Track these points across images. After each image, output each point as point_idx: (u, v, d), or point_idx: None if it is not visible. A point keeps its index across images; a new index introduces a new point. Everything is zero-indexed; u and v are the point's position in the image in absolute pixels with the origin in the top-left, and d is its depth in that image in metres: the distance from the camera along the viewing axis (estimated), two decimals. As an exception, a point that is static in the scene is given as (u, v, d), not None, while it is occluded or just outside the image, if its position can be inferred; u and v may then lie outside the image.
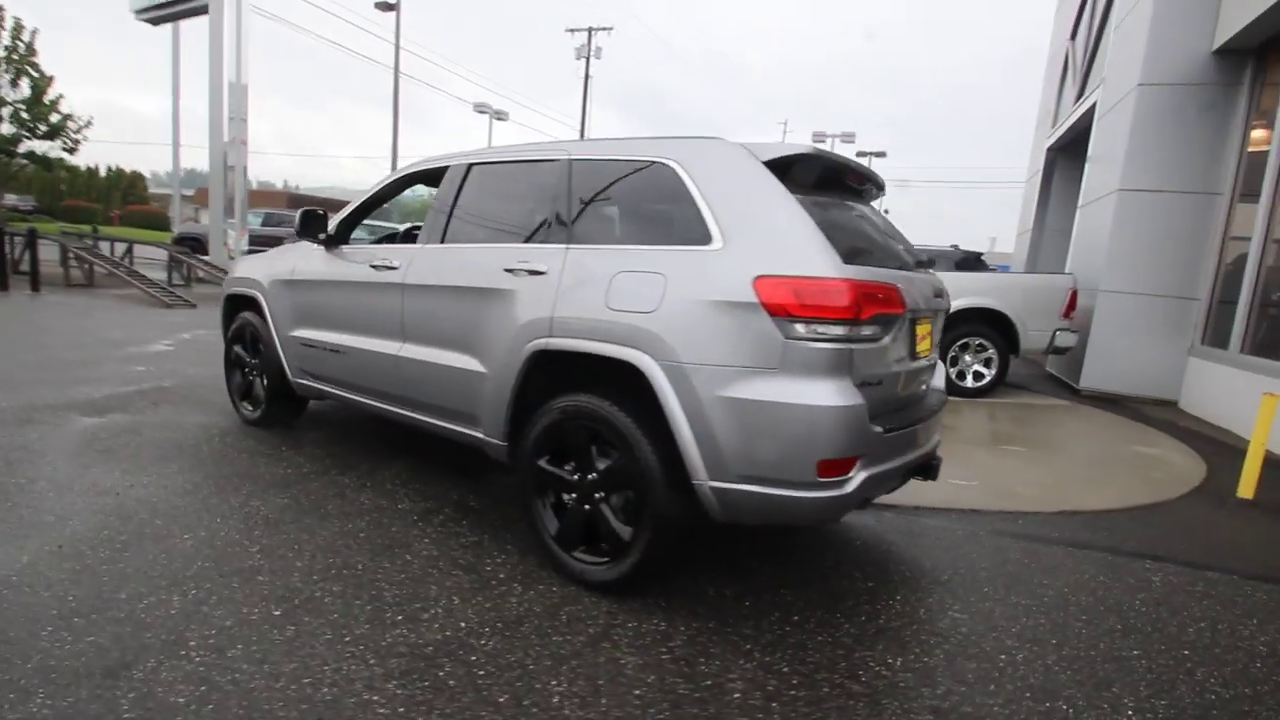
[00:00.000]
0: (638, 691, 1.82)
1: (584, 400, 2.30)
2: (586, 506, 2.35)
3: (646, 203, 2.41)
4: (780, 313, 1.96)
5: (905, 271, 2.40)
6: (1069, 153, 10.90)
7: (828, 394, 1.96)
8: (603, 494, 2.32)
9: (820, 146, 2.36)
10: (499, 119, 30.16)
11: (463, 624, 2.09)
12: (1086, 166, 8.59)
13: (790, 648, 2.09)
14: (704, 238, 2.17)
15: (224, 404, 4.39)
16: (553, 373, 2.45)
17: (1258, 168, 6.12)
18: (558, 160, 2.64)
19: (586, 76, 31.30)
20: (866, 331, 2.05)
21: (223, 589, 2.18)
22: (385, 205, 3.60)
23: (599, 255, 2.36)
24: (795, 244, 2.03)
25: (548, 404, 2.41)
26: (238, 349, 4.08)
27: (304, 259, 3.59)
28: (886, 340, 2.17)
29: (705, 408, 2.03)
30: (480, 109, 29.26)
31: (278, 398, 3.87)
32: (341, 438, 3.96)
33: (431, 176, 3.25)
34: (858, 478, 2.04)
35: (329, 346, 3.36)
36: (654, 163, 2.37)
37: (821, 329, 1.95)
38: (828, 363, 1.97)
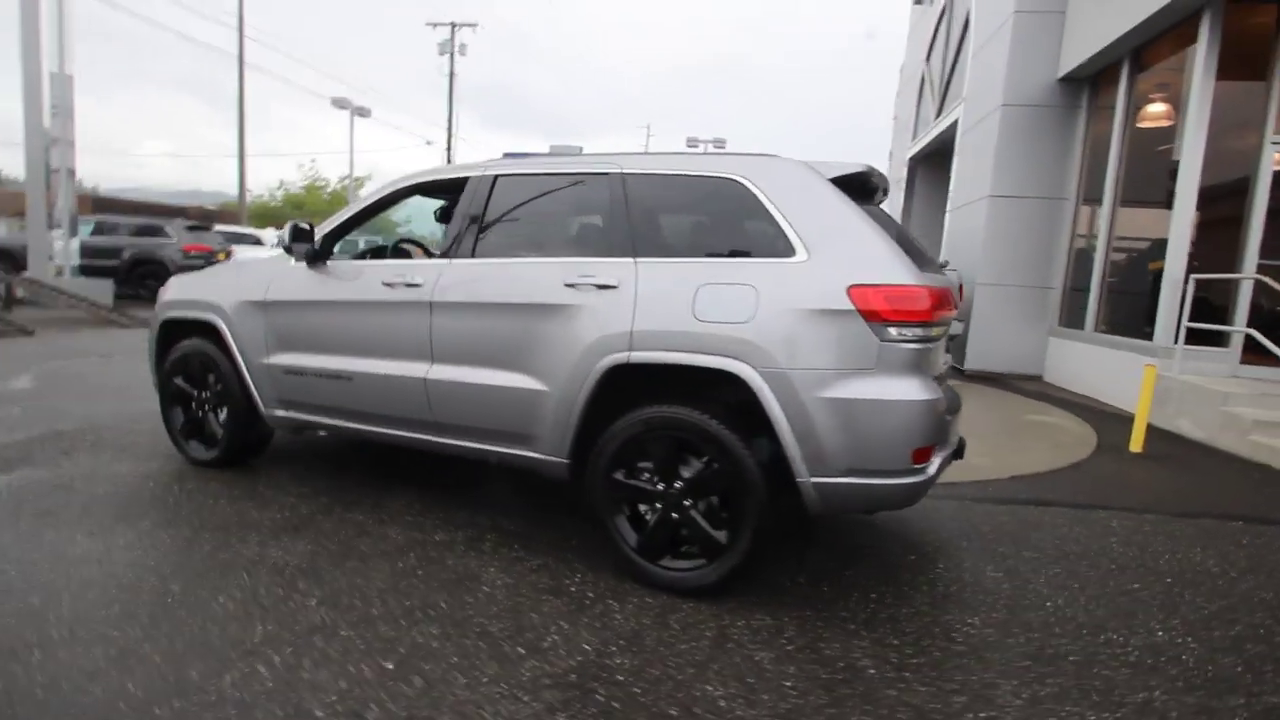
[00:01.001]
0: (788, 683, 1.91)
1: (671, 411, 2.34)
2: (674, 515, 2.39)
3: (718, 217, 2.50)
4: (875, 318, 2.14)
5: (939, 274, 2.69)
6: (930, 162, 12.32)
7: (918, 389, 2.17)
8: (692, 501, 2.37)
9: (872, 165, 2.58)
10: (361, 115, 28.26)
11: (586, 646, 2.05)
12: (954, 175, 9.79)
13: (886, 621, 2.29)
14: (786, 250, 2.30)
15: (151, 446, 3.85)
16: (624, 387, 2.45)
17: (1096, 176, 7.36)
18: (608, 173, 2.65)
19: (451, 74, 30.23)
20: (935, 332, 2.28)
21: (310, 650, 1.97)
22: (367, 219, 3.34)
23: (676, 268, 2.41)
24: (878, 255, 2.22)
25: (626, 417, 2.42)
26: (180, 382, 3.58)
27: (281, 278, 3.25)
28: (943, 338, 2.43)
29: (808, 409, 2.16)
30: (340, 104, 27.23)
31: (242, 434, 3.46)
32: (320, 472, 3.62)
33: (441, 187, 3.09)
34: (935, 461, 2.29)
35: (326, 373, 3.07)
36: (724, 178, 2.46)
37: (908, 331, 2.16)
38: (914, 361, 2.18)
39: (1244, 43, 5.63)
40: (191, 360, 3.52)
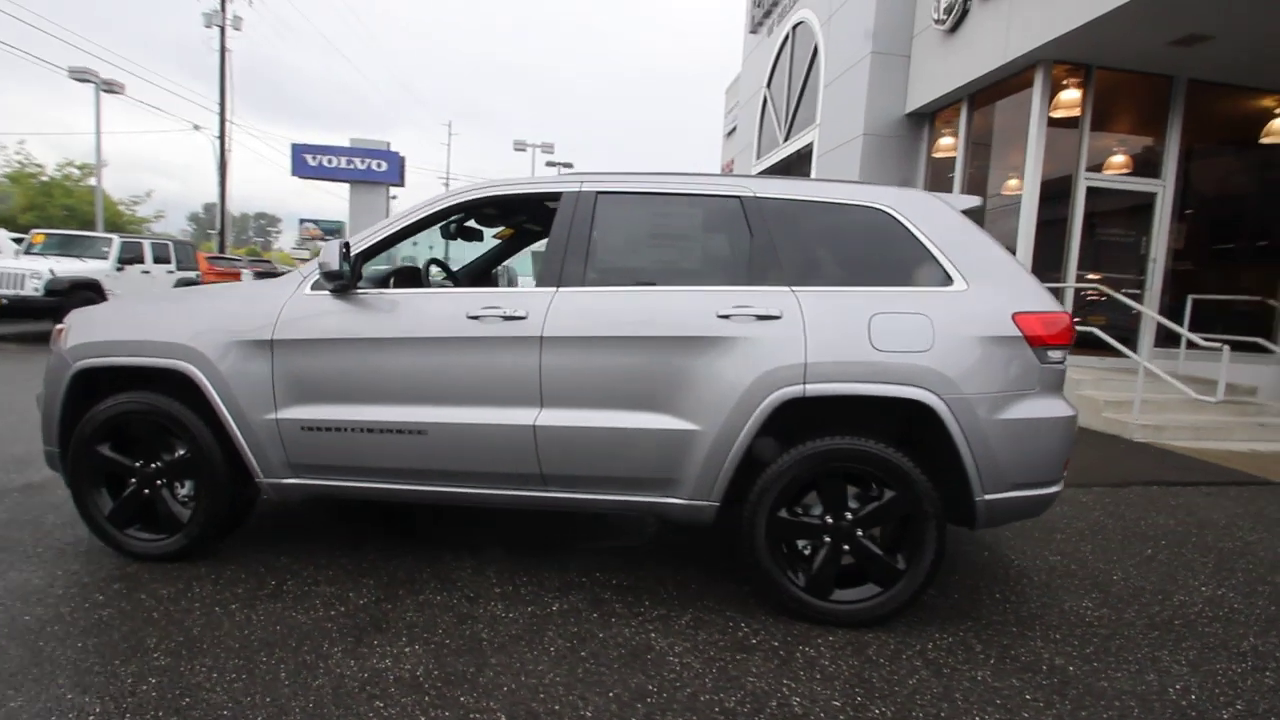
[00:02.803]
0: (1029, 696, 2.00)
1: (850, 442, 2.31)
2: (846, 547, 2.36)
3: (869, 246, 2.49)
4: (1037, 342, 2.32)
5: None
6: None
7: (1066, 405, 2.40)
8: (863, 530, 2.36)
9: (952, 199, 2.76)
10: (110, 91, 23.05)
11: (836, 703, 1.94)
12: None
13: (1032, 618, 2.49)
14: (944, 280, 2.39)
15: (48, 544, 2.83)
16: (781, 423, 2.36)
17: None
18: (739, 197, 2.51)
19: (222, 49, 26.02)
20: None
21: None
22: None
23: (842, 298, 2.37)
24: (1026, 283, 2.41)
25: (794, 451, 2.33)
26: (107, 452, 2.66)
27: (297, 310, 2.56)
28: None
29: (985, 431, 2.27)
30: (79, 75, 21.94)
31: (222, 510, 2.67)
32: (329, 544, 2.93)
33: (512, 203, 2.68)
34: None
35: (383, 427, 2.49)
36: (872, 208, 2.47)
37: (1057, 353, 2.37)
38: (1059, 380, 2.41)
39: (1062, 97, 7.05)
40: (134, 422, 2.63)
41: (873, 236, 2.48)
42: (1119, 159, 7.36)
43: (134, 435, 2.66)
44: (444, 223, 2.84)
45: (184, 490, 2.71)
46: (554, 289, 2.48)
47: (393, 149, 35.32)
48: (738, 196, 2.53)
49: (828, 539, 2.37)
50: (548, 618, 2.37)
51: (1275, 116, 7.30)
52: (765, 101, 13.56)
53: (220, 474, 2.62)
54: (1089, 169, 7.10)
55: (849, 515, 2.35)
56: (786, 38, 12.32)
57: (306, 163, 33.61)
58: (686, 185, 2.58)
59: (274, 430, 2.55)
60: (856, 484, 2.38)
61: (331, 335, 2.52)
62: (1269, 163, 7.48)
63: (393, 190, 36.22)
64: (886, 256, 2.47)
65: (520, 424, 2.43)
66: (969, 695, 1.99)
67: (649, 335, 2.38)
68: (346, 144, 34.74)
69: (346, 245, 2.48)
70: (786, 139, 12.22)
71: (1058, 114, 7.02)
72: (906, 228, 2.45)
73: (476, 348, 2.45)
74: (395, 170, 35.87)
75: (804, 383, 2.29)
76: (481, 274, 3.97)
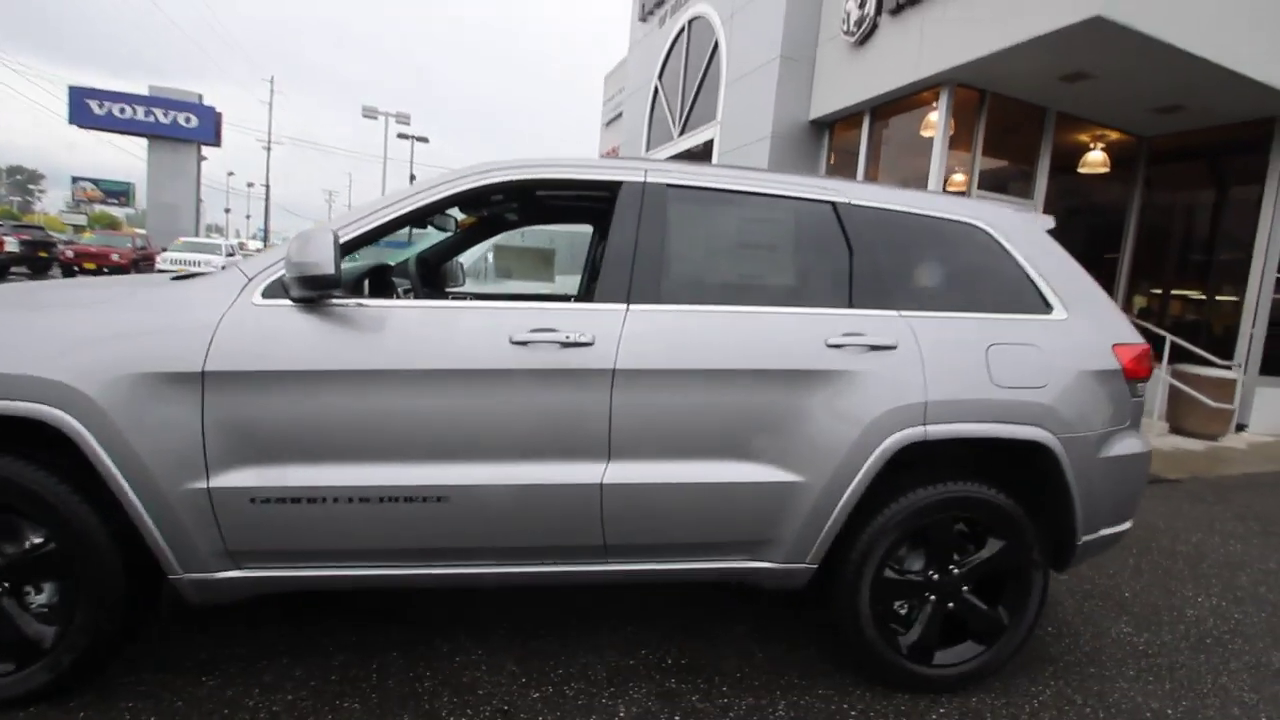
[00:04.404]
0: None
1: (967, 489, 2.05)
2: (950, 605, 2.11)
3: (964, 265, 2.23)
4: (1132, 375, 2.22)
5: None
6: (667, 171, 13.33)
7: (1146, 440, 2.33)
8: (969, 585, 2.13)
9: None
10: None
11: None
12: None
13: (1090, 663, 2.43)
14: (1042, 306, 2.21)
15: None
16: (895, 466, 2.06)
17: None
18: (832, 202, 2.14)
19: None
20: None
21: None
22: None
23: (956, 326, 2.09)
24: (1114, 312, 2.30)
25: (902, 501, 2.03)
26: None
27: (243, 326, 1.76)
28: None
29: (1091, 471, 2.13)
30: None
31: (111, 627, 1.80)
32: (274, 641, 2.13)
33: (550, 185, 2.07)
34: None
35: (384, 494, 1.79)
36: (966, 224, 2.23)
37: (1141, 387, 2.30)
38: (1140, 414, 2.34)
39: (961, 115, 7.52)
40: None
41: (972, 256, 2.24)
42: (1002, 178, 8.07)
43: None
44: (447, 210, 2.16)
45: (43, 598, 1.79)
46: (622, 306, 1.94)
47: (206, 103, 30.45)
48: (830, 202, 2.15)
49: (931, 597, 2.11)
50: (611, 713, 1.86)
51: (1089, 150, 8.43)
52: (657, 92, 13.31)
53: (112, 572, 1.76)
54: (980, 188, 7.68)
55: (954, 569, 2.10)
56: (682, 30, 12.15)
57: (90, 110, 28.25)
58: (770, 184, 2.16)
59: (203, 505, 1.75)
60: (960, 534, 2.14)
61: (308, 366, 1.77)
62: (1097, 187, 8.67)
63: (205, 150, 31.24)
64: (986, 279, 2.24)
65: (582, 482, 1.87)
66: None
67: (748, 368, 1.94)
68: (145, 92, 29.32)
69: (337, 236, 1.75)
70: (682, 133, 12.07)
71: (953, 133, 7.50)
72: (1004, 247, 2.24)
73: (524, 384, 1.85)
74: (210, 127, 31.06)
75: (924, 424, 1.99)
76: (431, 271, 3.22)
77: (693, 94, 11.73)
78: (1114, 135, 8.33)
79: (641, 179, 2.06)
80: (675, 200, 2.07)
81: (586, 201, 2.92)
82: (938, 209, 2.25)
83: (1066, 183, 8.56)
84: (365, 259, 3.07)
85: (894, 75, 7.56)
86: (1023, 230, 2.30)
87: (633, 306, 1.95)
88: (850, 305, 2.07)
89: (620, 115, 16.27)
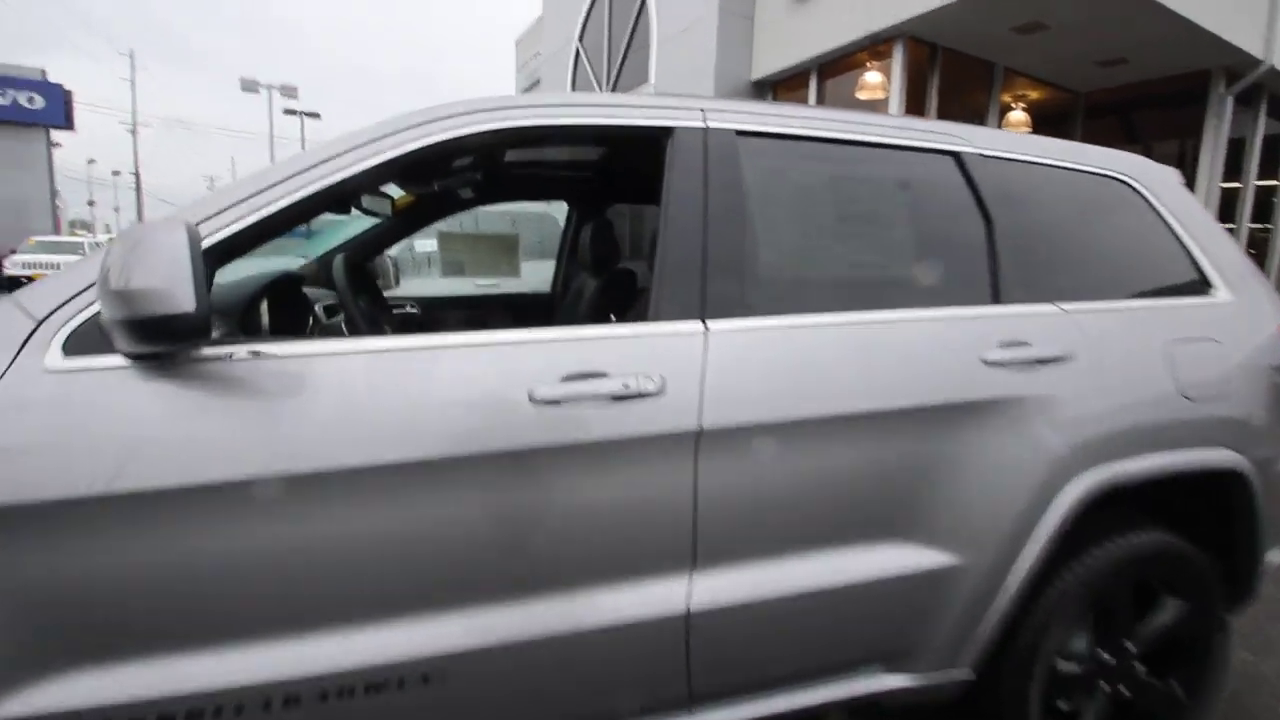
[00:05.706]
0: None
1: (1150, 540, 1.52)
2: (1127, 691, 1.60)
3: (1115, 234, 1.67)
4: (1299, 370, 1.75)
5: None
6: (595, 142, 12.47)
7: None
8: (1147, 663, 1.62)
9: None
10: None
11: None
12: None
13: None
14: (1202, 285, 1.70)
15: None
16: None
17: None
18: (950, 151, 1.52)
19: None
20: None
21: None
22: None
23: (1126, 319, 1.54)
24: (1272, 291, 1.82)
25: (1077, 567, 1.48)
26: None
27: (32, 417, 0.95)
28: None
29: (1274, 496, 1.66)
30: None
31: None
32: None
33: (547, 136, 1.40)
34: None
35: (323, 688, 1.04)
36: (1110, 177, 1.66)
37: None
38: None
39: (915, 75, 7.14)
40: None
41: (1119, 221, 1.69)
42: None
43: None
44: (395, 179, 1.38)
45: None
46: (697, 325, 1.25)
47: (52, 80, 26.67)
48: (953, 151, 1.53)
49: (1104, 685, 1.58)
50: None
51: (1012, 110, 8.30)
52: (578, 55, 12.35)
53: None
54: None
55: (1128, 645, 1.58)
56: (603, -13, 11.23)
57: (-99, 90, 24.29)
58: (868, 129, 1.50)
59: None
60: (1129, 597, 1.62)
61: (166, 483, 0.98)
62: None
63: (57, 135, 27.35)
64: (1141, 252, 1.70)
65: (656, 615, 1.20)
66: None
67: (883, 409, 1.30)
68: (-28, 68, 25.25)
69: (196, 236, 0.96)
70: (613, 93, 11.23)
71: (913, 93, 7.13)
72: (1156, 208, 1.70)
73: (559, 469, 1.13)
74: (58, 108, 27.39)
75: (1112, 460, 1.43)
76: (354, 268, 2.38)
77: (620, 55, 10.89)
78: (1051, 91, 8.25)
79: (701, 123, 1.36)
80: (749, 155, 1.38)
81: (567, 170, 2.19)
82: (1072, 158, 1.67)
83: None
84: (260, 258, 2.20)
85: (844, 31, 7.08)
86: (1171, 190, 1.77)
87: (713, 325, 1.25)
88: (997, 300, 1.47)
89: (539, 83, 15.17)
